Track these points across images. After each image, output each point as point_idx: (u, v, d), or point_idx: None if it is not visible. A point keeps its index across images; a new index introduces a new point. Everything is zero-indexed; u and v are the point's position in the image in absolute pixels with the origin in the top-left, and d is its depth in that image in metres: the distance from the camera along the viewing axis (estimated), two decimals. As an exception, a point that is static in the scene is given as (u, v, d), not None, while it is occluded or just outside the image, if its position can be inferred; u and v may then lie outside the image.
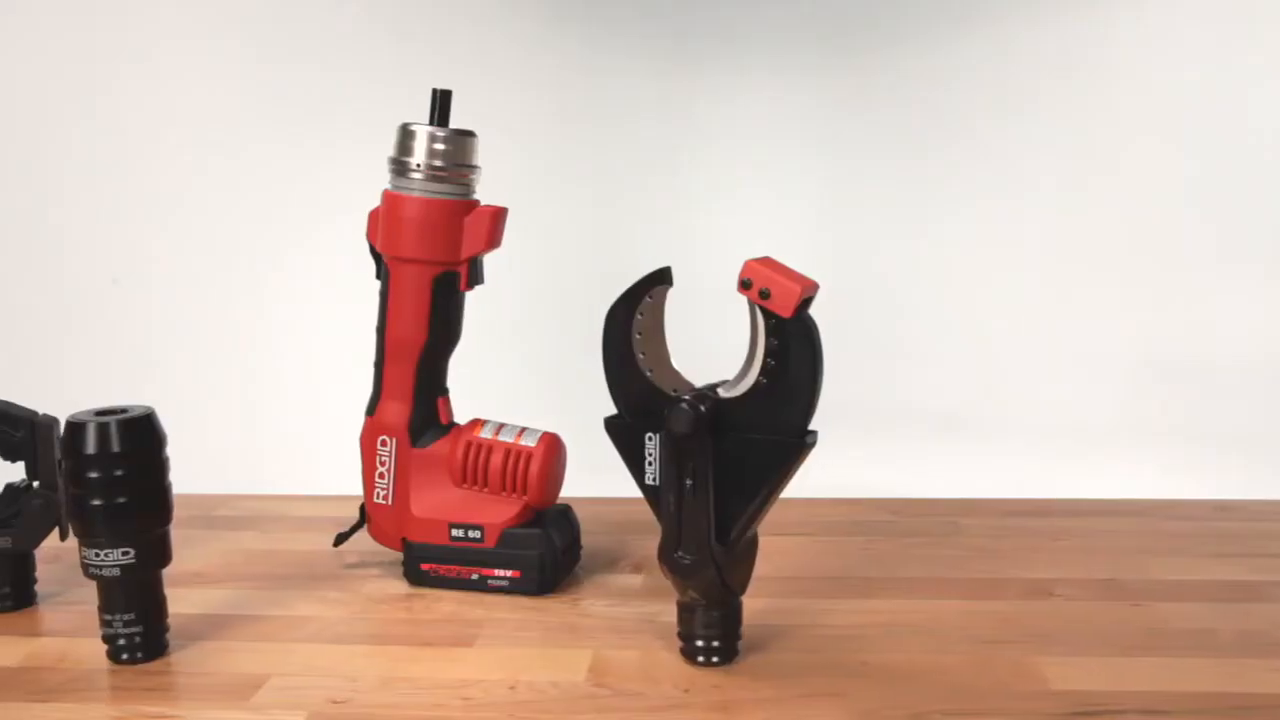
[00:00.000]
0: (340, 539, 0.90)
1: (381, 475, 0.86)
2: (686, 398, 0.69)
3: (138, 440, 0.73)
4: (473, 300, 1.01)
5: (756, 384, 0.68)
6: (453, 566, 0.85)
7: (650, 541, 0.94)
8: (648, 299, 0.71)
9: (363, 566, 0.91)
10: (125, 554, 0.73)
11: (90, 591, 0.85)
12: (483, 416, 0.87)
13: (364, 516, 0.89)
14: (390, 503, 0.87)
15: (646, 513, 0.99)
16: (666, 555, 0.71)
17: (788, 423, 0.68)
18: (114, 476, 0.72)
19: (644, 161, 1.17)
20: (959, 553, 0.92)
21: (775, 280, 0.66)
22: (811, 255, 1.16)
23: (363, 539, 0.90)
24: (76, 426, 0.72)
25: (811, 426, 0.68)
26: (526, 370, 1.13)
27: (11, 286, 1.24)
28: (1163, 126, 1.11)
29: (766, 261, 0.68)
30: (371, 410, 0.87)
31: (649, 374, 0.71)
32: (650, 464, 0.71)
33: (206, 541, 0.96)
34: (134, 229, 1.22)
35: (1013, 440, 1.15)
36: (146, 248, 1.22)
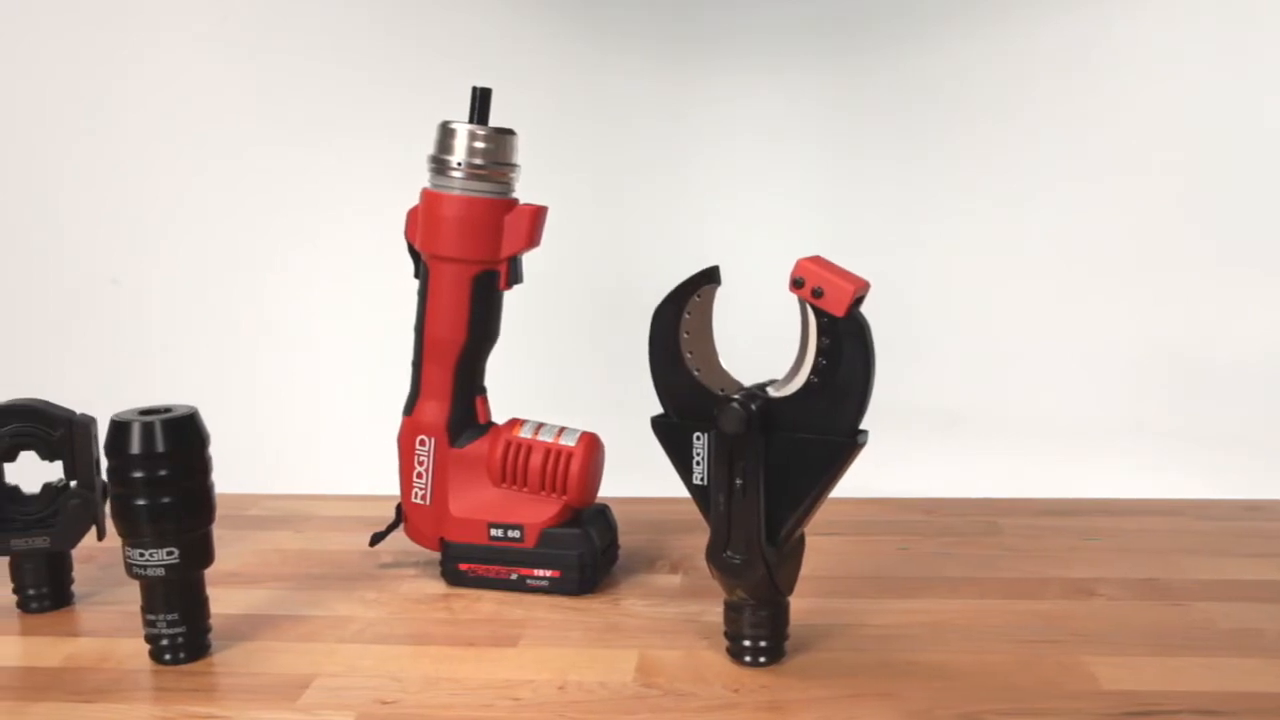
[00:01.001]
0: (376, 539, 0.90)
1: (419, 475, 0.86)
2: (737, 397, 0.68)
3: (182, 440, 0.73)
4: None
5: (808, 383, 0.68)
6: (492, 566, 0.85)
7: (685, 541, 0.95)
8: (696, 298, 0.71)
9: (398, 566, 0.91)
10: (170, 554, 0.72)
11: (127, 591, 0.85)
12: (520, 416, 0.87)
13: (400, 516, 0.89)
14: (428, 503, 0.86)
15: (679, 512, 0.99)
16: (715, 555, 0.70)
17: (839, 422, 0.67)
18: (158, 476, 0.72)
19: (645, 161, 1.17)
20: (995, 552, 0.92)
21: (828, 279, 0.66)
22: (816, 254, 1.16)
23: (396, 538, 0.90)
24: (121, 426, 0.72)
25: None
26: (532, 370, 1.13)
27: (21, 286, 1.23)
28: (1168, 125, 1.11)
29: (818, 260, 0.67)
30: (409, 410, 0.86)
31: (696, 373, 0.71)
32: (698, 463, 0.71)
33: (240, 541, 0.96)
34: (146, 229, 1.21)
35: (1021, 440, 1.15)
36: (164, 247, 1.22)
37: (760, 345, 1.16)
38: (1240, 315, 1.14)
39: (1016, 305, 1.14)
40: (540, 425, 0.86)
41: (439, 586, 0.87)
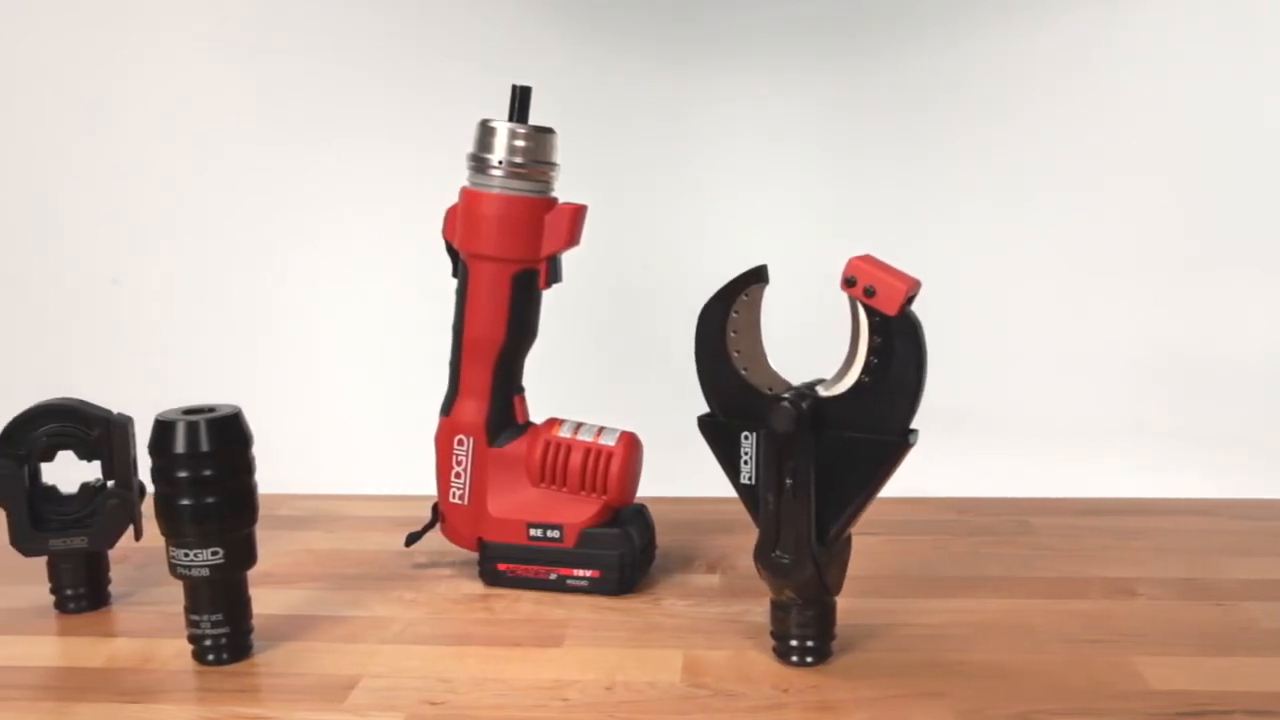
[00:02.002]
0: (412, 539, 0.89)
1: (458, 475, 0.86)
2: (787, 396, 0.68)
3: (226, 439, 0.72)
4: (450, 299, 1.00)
5: (859, 382, 0.67)
6: (531, 566, 0.85)
7: (720, 541, 0.94)
8: (743, 297, 0.71)
9: (433, 567, 0.91)
10: (214, 554, 0.72)
11: (164, 591, 0.86)
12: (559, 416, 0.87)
13: (437, 516, 0.88)
14: (466, 503, 0.86)
15: (709, 511, 0.99)
16: (764, 555, 0.70)
17: (890, 421, 0.67)
18: (203, 476, 0.72)
19: (645, 161, 1.16)
20: (1032, 552, 0.92)
21: (881, 278, 0.66)
22: (816, 256, 1.15)
23: (429, 538, 0.90)
24: (165, 425, 0.71)
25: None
26: (531, 370, 1.13)
27: (22, 286, 1.22)
28: (1169, 126, 1.11)
29: (869, 259, 0.67)
30: (447, 409, 0.86)
31: (744, 372, 0.71)
32: (746, 463, 0.71)
33: (273, 541, 0.95)
34: (146, 229, 1.20)
35: (1023, 440, 1.14)
36: (165, 247, 1.21)
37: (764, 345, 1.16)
38: (1242, 315, 1.13)
39: (1017, 305, 1.14)
40: (579, 425, 0.86)
41: (476, 586, 0.87)
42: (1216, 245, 1.13)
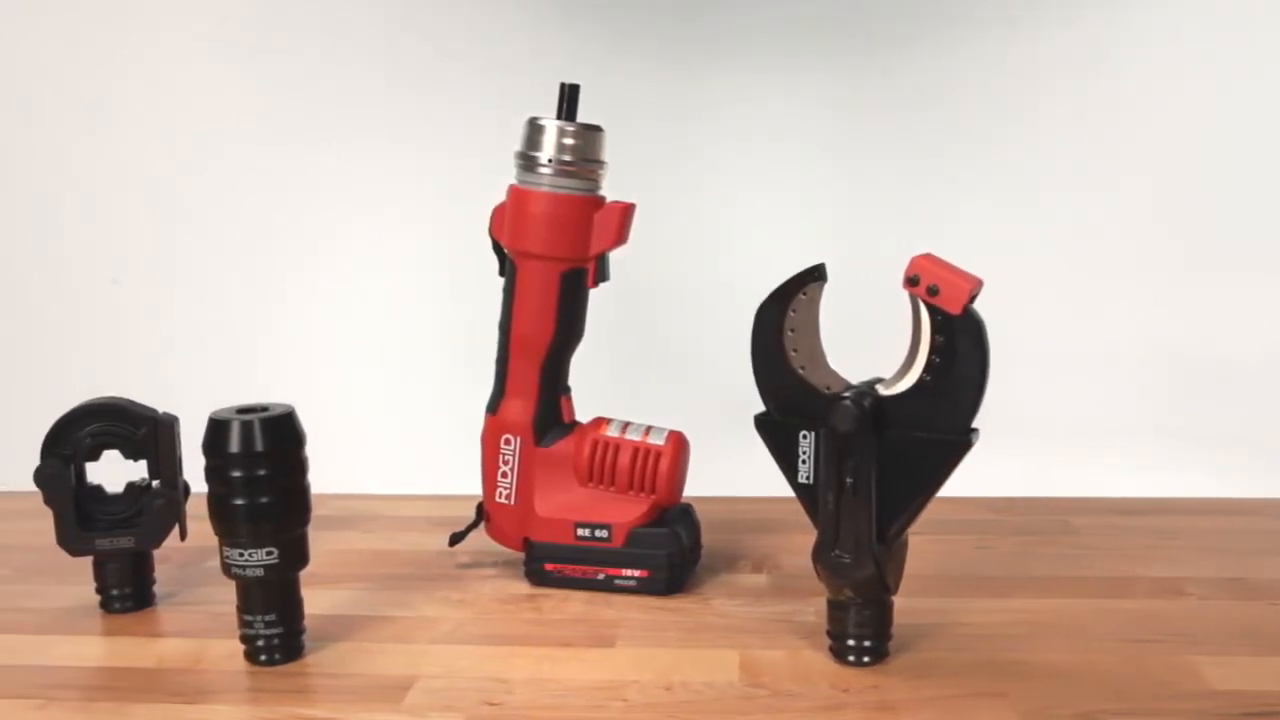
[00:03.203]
0: (456, 538, 0.89)
1: (504, 475, 0.85)
2: (848, 395, 0.68)
3: (280, 438, 0.72)
4: (470, 298, 0.99)
5: (920, 381, 0.67)
6: (578, 566, 0.84)
7: (763, 540, 0.94)
8: (801, 295, 0.70)
9: (476, 566, 0.90)
10: (269, 554, 0.72)
11: (208, 591, 0.86)
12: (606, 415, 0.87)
13: (481, 515, 0.88)
14: (513, 502, 0.86)
15: (749, 511, 0.99)
16: (823, 555, 0.70)
17: (951, 420, 0.67)
18: (257, 475, 0.71)
19: (645, 161, 1.16)
20: (1075, 551, 0.92)
21: (944, 276, 0.66)
22: (817, 256, 1.14)
23: (470, 538, 0.89)
24: (220, 425, 0.71)
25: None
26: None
27: (22, 287, 1.22)
28: (1171, 126, 1.11)
29: (931, 258, 0.67)
30: (493, 408, 0.86)
31: (801, 371, 0.70)
32: (804, 462, 0.71)
33: (312, 541, 0.95)
34: (146, 229, 1.20)
35: (1026, 440, 1.13)
36: (165, 247, 1.20)
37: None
38: (1247, 315, 1.13)
39: (1021, 306, 1.14)
40: (626, 424, 0.85)
41: (522, 586, 0.86)
42: (1233, 245, 1.13)
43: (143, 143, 1.18)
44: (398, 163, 1.16)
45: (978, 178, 1.13)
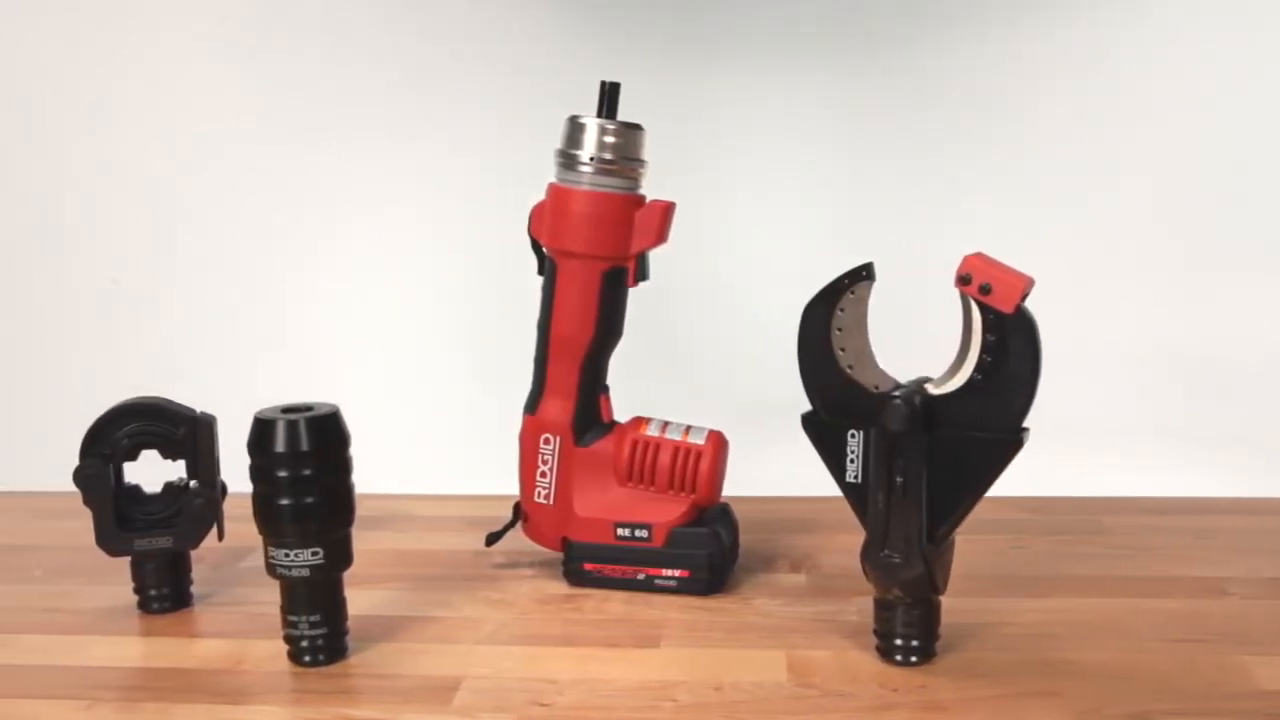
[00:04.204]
0: (493, 539, 0.89)
1: (543, 474, 0.85)
2: (899, 394, 0.68)
3: (325, 438, 0.72)
4: (487, 298, 0.97)
5: (970, 380, 0.67)
6: (618, 566, 0.84)
7: (798, 540, 0.94)
8: (850, 294, 0.70)
9: (513, 567, 0.90)
10: (315, 554, 0.72)
11: (245, 591, 0.86)
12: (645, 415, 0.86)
13: (518, 515, 0.88)
14: (552, 502, 0.85)
15: (782, 510, 0.99)
16: (872, 554, 0.70)
17: (1003, 419, 0.67)
18: (302, 475, 0.71)
19: (648, 161, 1.16)
20: (1111, 551, 0.92)
21: (997, 275, 0.66)
22: (817, 256, 1.14)
23: (504, 537, 0.89)
24: (265, 424, 0.71)
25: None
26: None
27: (22, 288, 1.22)
28: (1173, 127, 1.10)
29: (983, 257, 0.67)
30: (532, 408, 0.85)
31: (849, 370, 0.70)
32: (852, 461, 0.70)
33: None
34: (145, 229, 1.20)
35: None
36: (168, 248, 1.20)
37: (768, 344, 1.15)
38: (1252, 315, 1.13)
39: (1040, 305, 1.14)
40: (666, 423, 0.85)
41: (560, 586, 0.86)
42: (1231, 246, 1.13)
43: (143, 143, 1.18)
44: (398, 163, 1.16)
45: (978, 178, 1.12)
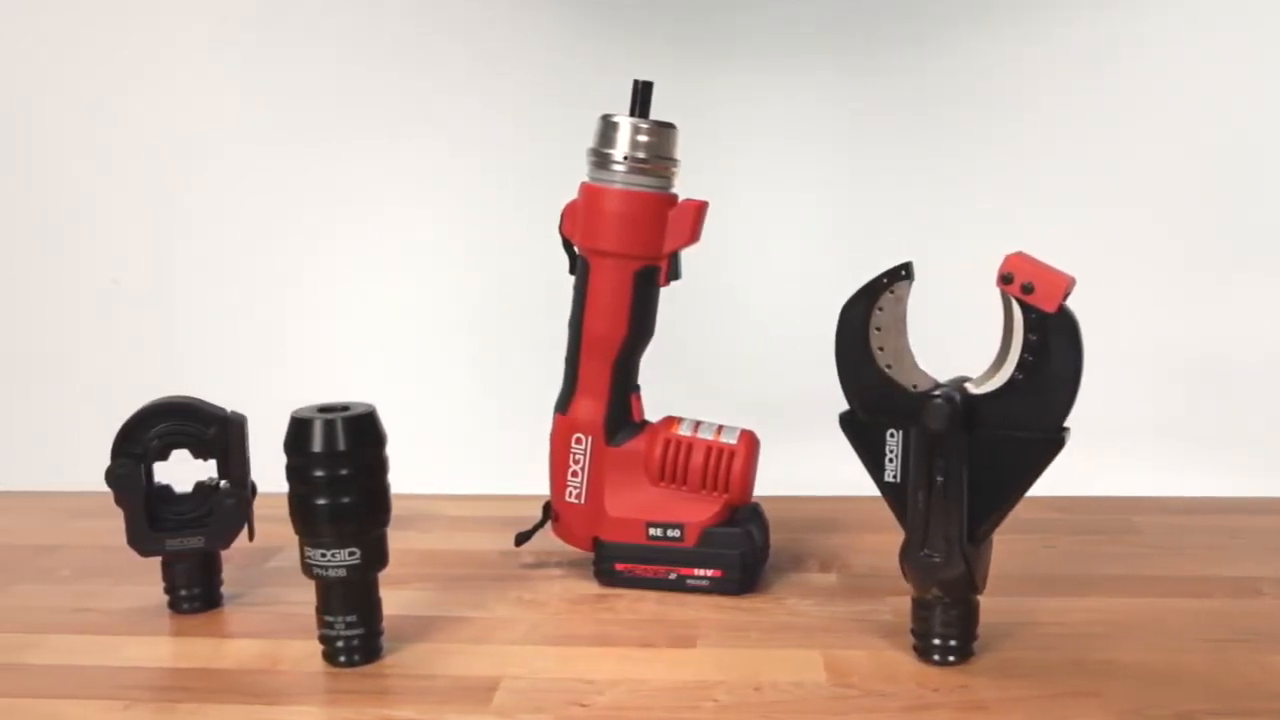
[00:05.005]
0: (523, 538, 0.89)
1: (575, 474, 0.85)
2: (939, 393, 0.67)
3: (362, 438, 0.71)
4: (490, 299, 0.96)
5: (1012, 379, 0.67)
6: (650, 566, 0.84)
7: (827, 539, 0.94)
8: (889, 294, 0.70)
9: (542, 567, 0.90)
10: (351, 554, 0.71)
11: (275, 592, 0.85)
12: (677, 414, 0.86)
13: (549, 515, 0.87)
14: (583, 502, 0.85)
15: (808, 510, 0.99)
16: (911, 554, 0.69)
17: (1044, 419, 0.67)
18: (339, 475, 0.71)
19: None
20: (1142, 550, 0.92)
21: (1039, 274, 0.65)
22: (817, 256, 1.14)
23: (533, 537, 0.89)
24: (302, 423, 0.70)
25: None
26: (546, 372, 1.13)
27: (21, 288, 1.21)
28: (1177, 128, 1.10)
29: (1025, 256, 0.67)
30: (564, 408, 0.85)
31: (888, 370, 0.70)
32: (891, 461, 0.70)
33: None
34: (146, 229, 1.20)
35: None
36: (173, 248, 1.20)
37: (768, 344, 1.14)
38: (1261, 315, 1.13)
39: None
40: (698, 423, 0.85)
41: (591, 586, 0.86)
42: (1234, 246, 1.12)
43: (143, 143, 1.17)
44: (398, 162, 1.16)
45: (978, 178, 1.12)
